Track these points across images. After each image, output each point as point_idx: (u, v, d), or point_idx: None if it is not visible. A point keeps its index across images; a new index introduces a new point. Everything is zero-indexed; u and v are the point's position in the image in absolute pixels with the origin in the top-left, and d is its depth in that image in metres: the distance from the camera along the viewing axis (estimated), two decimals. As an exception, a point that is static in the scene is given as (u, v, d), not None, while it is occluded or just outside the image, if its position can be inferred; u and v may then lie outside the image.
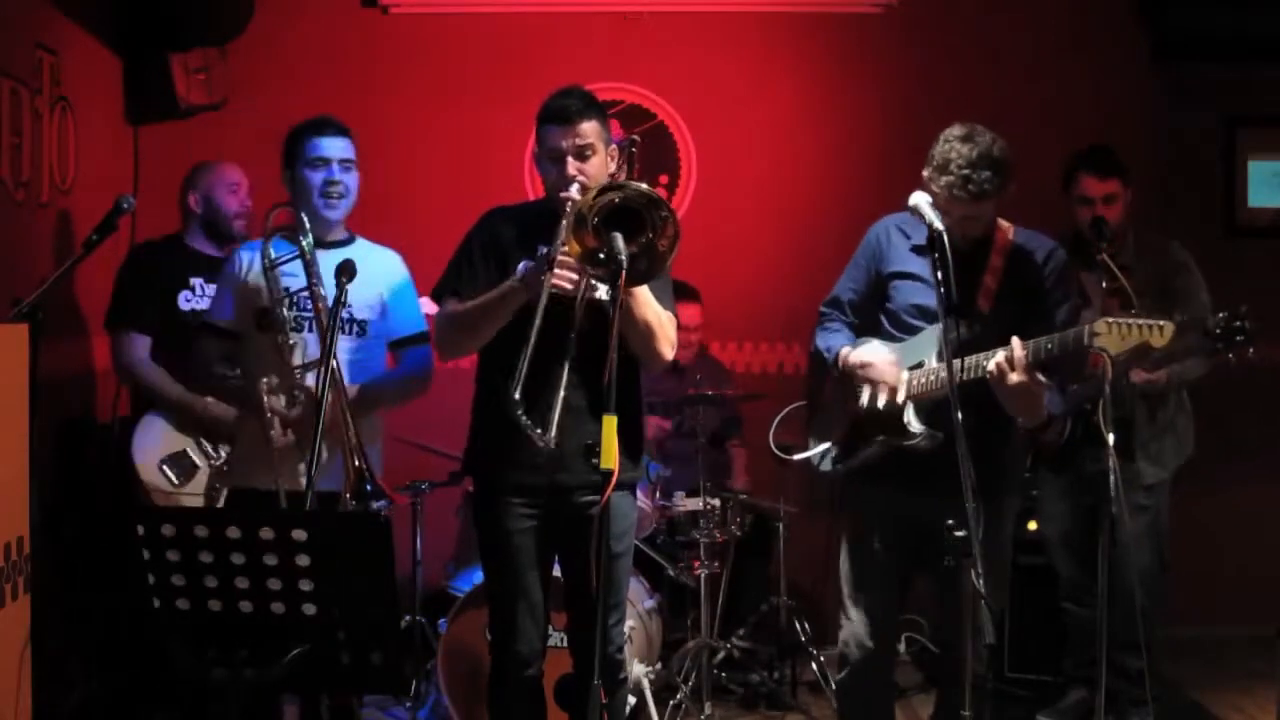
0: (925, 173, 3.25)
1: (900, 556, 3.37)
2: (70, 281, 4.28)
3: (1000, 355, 3.07)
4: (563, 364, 2.90)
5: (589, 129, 3.15)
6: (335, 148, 3.52)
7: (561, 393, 2.89)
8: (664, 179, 5.60)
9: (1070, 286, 3.40)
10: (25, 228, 4.19)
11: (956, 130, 3.23)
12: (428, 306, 3.68)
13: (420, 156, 5.47)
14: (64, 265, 3.75)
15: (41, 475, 3.05)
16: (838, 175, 5.54)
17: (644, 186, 2.85)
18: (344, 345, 3.49)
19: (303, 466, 3.32)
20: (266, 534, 2.34)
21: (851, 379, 3.36)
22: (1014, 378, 3.05)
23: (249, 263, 3.56)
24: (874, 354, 3.32)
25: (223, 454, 4.10)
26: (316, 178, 3.50)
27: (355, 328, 3.55)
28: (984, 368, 3.12)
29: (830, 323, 3.52)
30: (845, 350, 3.39)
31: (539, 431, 2.90)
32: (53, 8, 4.46)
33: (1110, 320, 3.04)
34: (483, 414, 3.30)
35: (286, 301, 3.46)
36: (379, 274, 3.59)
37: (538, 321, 2.91)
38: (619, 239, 2.75)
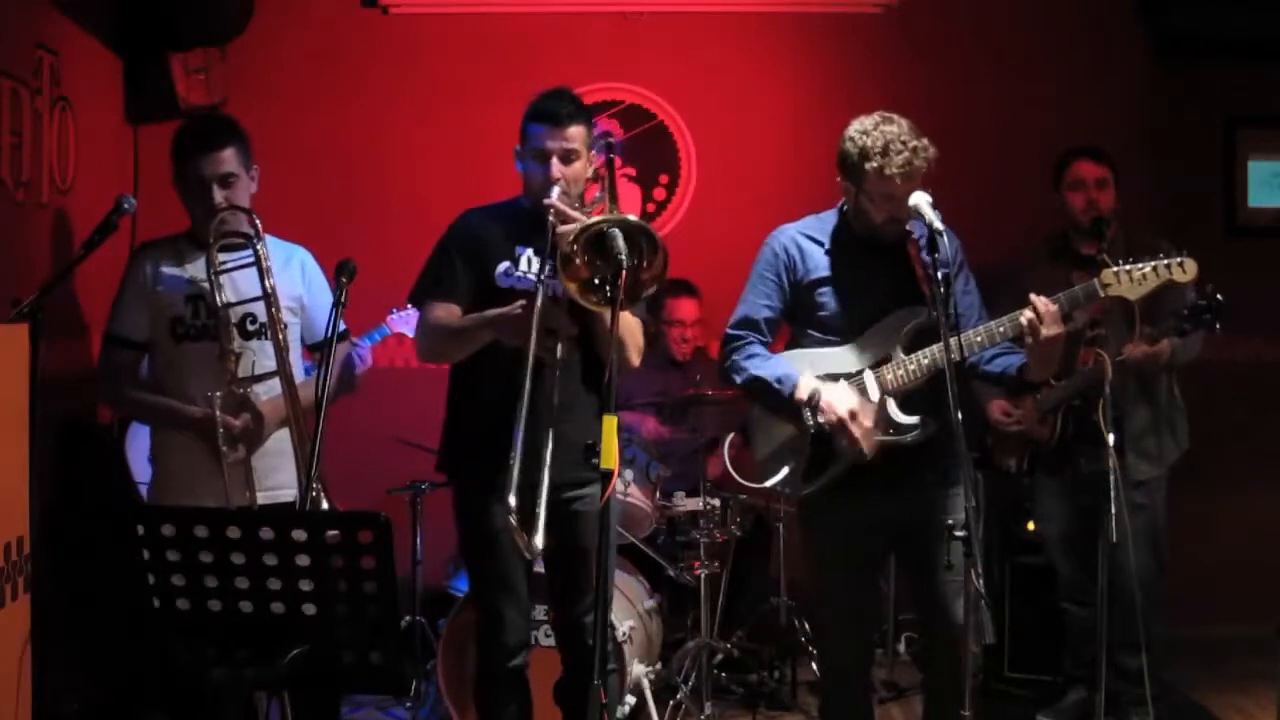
0: (866, 166, 3.15)
1: (875, 565, 3.37)
2: (70, 282, 4.27)
3: (1028, 313, 3.07)
4: (549, 428, 2.80)
5: (576, 134, 3.19)
6: (210, 165, 3.38)
7: (545, 492, 2.72)
8: (664, 179, 5.60)
9: (968, 268, 3.39)
10: (25, 228, 4.19)
11: (869, 119, 3.21)
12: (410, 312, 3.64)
13: (420, 156, 5.47)
14: (64, 266, 3.74)
15: (41, 475, 3.05)
16: (838, 175, 5.52)
17: (631, 218, 2.76)
18: (265, 350, 3.38)
19: (257, 479, 3.29)
20: (266, 534, 2.34)
21: (811, 413, 3.21)
22: (1051, 330, 3.05)
23: (153, 270, 3.46)
24: (850, 398, 3.18)
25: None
26: (197, 202, 3.40)
27: (259, 331, 3.43)
28: (979, 342, 3.14)
29: (751, 346, 3.36)
30: (806, 383, 3.23)
31: (524, 538, 2.71)
32: (53, 8, 4.45)
33: (1116, 268, 3.04)
34: (457, 413, 3.31)
35: (209, 309, 3.36)
36: (295, 274, 3.52)
37: (525, 399, 2.79)
38: (619, 238, 2.74)
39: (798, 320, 3.40)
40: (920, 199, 3.11)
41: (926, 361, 3.18)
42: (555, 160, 3.15)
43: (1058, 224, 4.41)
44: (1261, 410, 5.46)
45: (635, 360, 3.24)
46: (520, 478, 2.74)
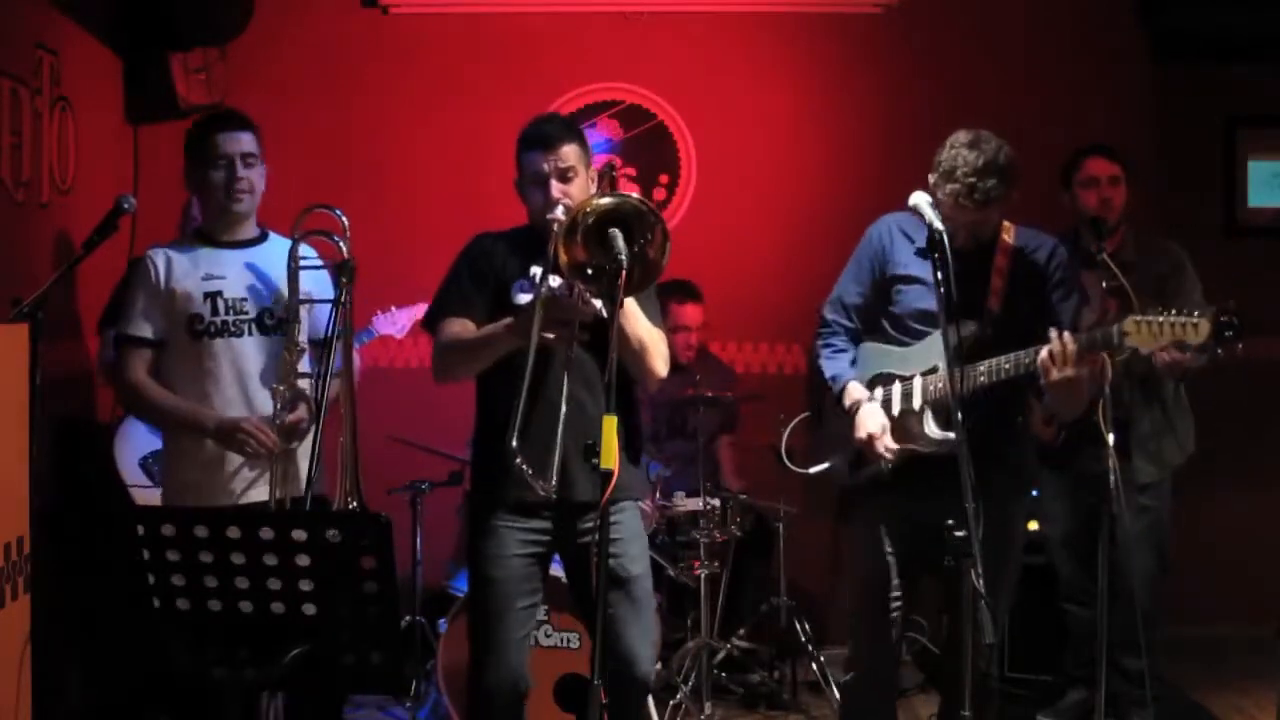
0: (930, 178, 3.23)
1: (908, 564, 3.37)
2: (70, 282, 4.28)
3: (1045, 351, 3.06)
4: (560, 398, 2.94)
5: (569, 152, 3.18)
6: (236, 143, 3.42)
7: (559, 437, 2.90)
8: (664, 179, 5.60)
9: (1073, 283, 3.41)
10: (25, 228, 4.19)
11: (963, 136, 3.22)
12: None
13: (420, 156, 5.47)
14: (64, 266, 3.75)
15: (41, 475, 3.05)
16: (838, 175, 5.54)
17: (634, 196, 2.87)
18: (262, 346, 3.39)
19: (302, 474, 3.29)
20: (266, 534, 2.34)
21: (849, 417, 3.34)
22: (1060, 373, 3.04)
23: (165, 267, 3.41)
24: (875, 421, 3.28)
25: None
26: (219, 177, 3.41)
27: (277, 327, 3.42)
28: (1006, 369, 3.13)
29: (834, 338, 3.47)
30: (853, 391, 3.35)
31: (539, 480, 2.89)
32: (53, 8, 4.46)
33: (1138, 319, 3.05)
34: (483, 437, 3.28)
35: (224, 305, 3.39)
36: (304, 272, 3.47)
37: (528, 377, 2.91)
38: (619, 238, 2.76)
39: (877, 311, 3.45)
40: (919, 198, 3.11)
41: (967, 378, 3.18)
42: (554, 181, 3.16)
43: (1062, 225, 4.39)
44: (1262, 410, 5.46)
45: (662, 370, 3.23)
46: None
